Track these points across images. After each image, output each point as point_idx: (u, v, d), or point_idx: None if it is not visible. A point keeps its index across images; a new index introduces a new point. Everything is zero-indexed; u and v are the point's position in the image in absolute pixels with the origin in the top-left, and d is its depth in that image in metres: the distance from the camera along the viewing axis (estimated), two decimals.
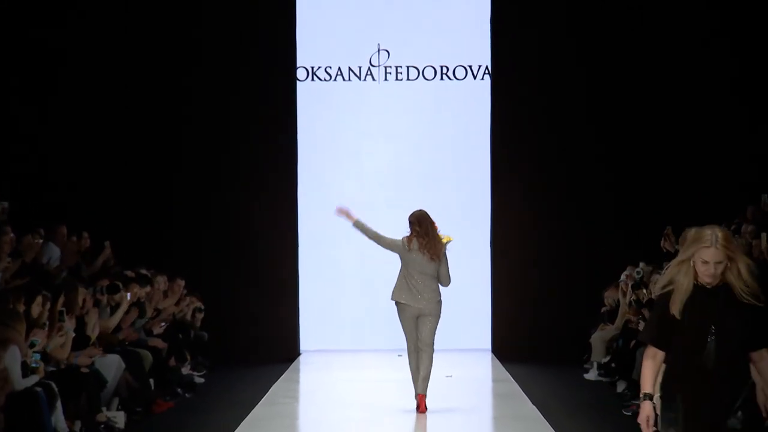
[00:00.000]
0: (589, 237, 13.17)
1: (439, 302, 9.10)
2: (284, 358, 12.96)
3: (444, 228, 12.98)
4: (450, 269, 9.10)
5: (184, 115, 13.27)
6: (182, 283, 11.84)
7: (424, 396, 9.09)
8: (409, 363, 9.18)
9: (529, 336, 13.14)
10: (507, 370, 11.83)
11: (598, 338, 11.37)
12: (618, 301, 11.36)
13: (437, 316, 9.09)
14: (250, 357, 12.93)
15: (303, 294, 13.54)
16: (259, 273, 13.28)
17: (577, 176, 13.30)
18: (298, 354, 13.38)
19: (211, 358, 12.11)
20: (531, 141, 13.34)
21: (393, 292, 9.11)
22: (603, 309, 11.96)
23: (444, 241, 9.21)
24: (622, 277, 11.31)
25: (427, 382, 9.12)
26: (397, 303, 9.10)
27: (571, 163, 13.31)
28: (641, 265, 10.97)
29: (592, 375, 11.32)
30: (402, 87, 13.71)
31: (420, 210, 9.24)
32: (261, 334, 13.18)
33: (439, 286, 9.11)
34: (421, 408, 9.02)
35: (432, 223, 9.13)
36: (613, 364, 10.81)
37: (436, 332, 9.14)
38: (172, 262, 12.61)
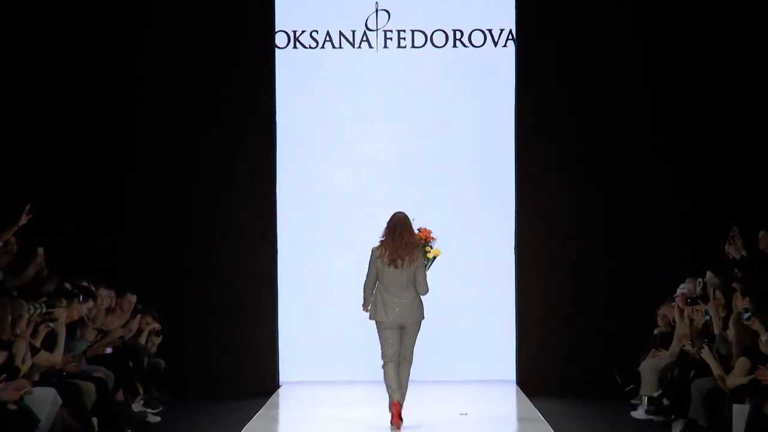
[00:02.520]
0: (640, 242, 13.16)
1: (420, 311, 10.46)
2: (260, 392, 12.95)
3: (456, 231, 13.08)
4: (427, 276, 10.47)
5: (137, 94, 13.22)
6: (133, 299, 11.77)
7: (401, 405, 10.42)
8: (385, 374, 10.41)
9: (563, 364, 13.13)
10: (535, 407, 11.80)
11: (649, 367, 11.34)
12: (674, 321, 11.27)
13: (417, 324, 10.49)
14: (217, 390, 12.94)
15: (283, 313, 13.53)
16: (229, 287, 13.28)
17: (624, 167, 13.27)
18: (277, 386, 13.39)
19: (169, 392, 12.07)
20: (566, 123, 13.28)
21: (370, 309, 10.52)
22: (655, 331, 11.93)
23: (430, 255, 10.64)
24: (678, 291, 11.23)
25: (405, 391, 10.47)
26: (376, 321, 10.53)
27: (616, 150, 13.28)
28: (708, 275, 10.86)
29: (640, 412, 11.29)
30: (406, 56, 13.69)
31: (396, 213, 10.55)
32: (231, 361, 13.19)
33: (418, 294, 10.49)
34: (395, 419, 10.30)
35: (404, 226, 10.40)
36: (665, 400, 10.75)
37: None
38: (121, 273, 12.59)
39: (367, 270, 10.50)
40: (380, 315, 10.42)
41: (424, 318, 10.51)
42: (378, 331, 10.52)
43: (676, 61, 13.16)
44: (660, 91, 13.17)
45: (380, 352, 10.52)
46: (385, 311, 10.40)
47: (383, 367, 10.47)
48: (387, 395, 10.44)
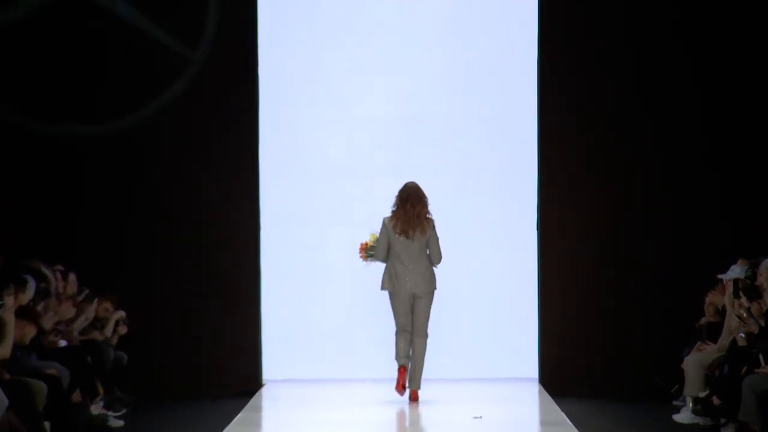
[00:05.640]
0: (683, 218, 13.19)
1: (432, 282, 11.98)
2: (240, 391, 13.00)
3: (469, 205, 13.24)
4: (440, 244, 11.99)
5: (99, 53, 13.20)
6: (73, 279, 11.69)
7: (417, 390, 11.94)
8: (396, 342, 11.98)
9: (593, 360, 13.18)
10: (561, 409, 11.84)
11: (694, 363, 11.34)
12: (723, 309, 11.27)
13: (430, 295, 12.02)
14: (190, 389, 12.98)
15: (266, 302, 13.55)
16: (205, 270, 13.29)
17: (664, 133, 13.25)
18: (260, 385, 13.44)
19: (133, 392, 12.09)
20: (597, 75, 13.26)
21: (382, 280, 12.07)
22: (702, 321, 11.96)
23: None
24: (729, 273, 11.21)
25: (421, 375, 11.94)
26: (388, 292, 12.09)
27: (655, 111, 13.27)
28: None
29: (684, 415, 11.29)
30: (410, 2, 13.66)
31: (407, 183, 12.07)
32: (206, 356, 13.22)
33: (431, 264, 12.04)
34: (398, 386, 11.89)
35: (416, 197, 11.94)
36: (713, 400, 10.74)
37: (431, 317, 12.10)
38: (79, 253, 12.65)
39: (378, 239, 12.03)
40: (391, 285, 11.99)
41: (436, 288, 12.04)
42: (390, 302, 12.05)
43: (721, 10, 13.17)
44: (703, 42, 13.18)
45: (394, 324, 12.05)
46: (397, 281, 11.96)
47: (395, 337, 11.99)
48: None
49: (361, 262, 12.33)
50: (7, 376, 9.28)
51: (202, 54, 13.12)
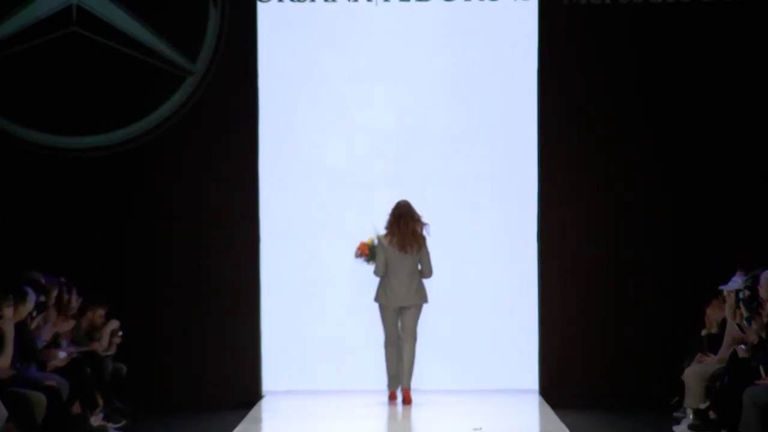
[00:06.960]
0: (683, 218, 13.19)
1: (422, 295, 12.74)
2: (240, 403, 13.01)
3: (468, 213, 13.37)
4: (432, 259, 12.73)
5: (98, 55, 13.25)
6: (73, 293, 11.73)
7: (410, 389, 12.65)
8: (386, 356, 12.76)
9: (593, 371, 13.17)
10: (561, 420, 11.87)
11: (695, 374, 11.34)
12: (724, 320, 11.33)
13: (419, 306, 12.77)
14: (189, 401, 12.98)
15: (266, 310, 13.54)
16: (204, 279, 13.29)
17: (665, 137, 13.27)
18: (260, 396, 13.42)
19: (133, 403, 12.09)
20: (599, 86, 13.29)
21: (376, 293, 12.81)
22: (702, 332, 11.98)
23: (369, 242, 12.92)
24: (730, 284, 11.25)
25: (412, 375, 12.70)
26: (379, 304, 12.84)
27: (657, 116, 13.28)
28: None
29: (684, 427, 11.33)
30: (410, 9, 13.66)
31: (400, 201, 12.80)
32: (206, 367, 13.21)
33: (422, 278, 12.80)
34: (406, 400, 12.60)
35: (408, 215, 12.69)
36: (712, 413, 10.80)
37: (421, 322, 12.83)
38: (79, 255, 12.76)
39: (375, 259, 12.74)
40: (384, 299, 12.74)
41: (427, 302, 12.79)
42: (380, 313, 12.79)
43: (721, 11, 13.19)
44: (703, 43, 13.19)
45: (383, 334, 12.81)
46: (391, 294, 12.70)
47: (384, 348, 12.77)
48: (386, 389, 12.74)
49: (355, 255, 12.92)
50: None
51: (202, 66, 13.22)
